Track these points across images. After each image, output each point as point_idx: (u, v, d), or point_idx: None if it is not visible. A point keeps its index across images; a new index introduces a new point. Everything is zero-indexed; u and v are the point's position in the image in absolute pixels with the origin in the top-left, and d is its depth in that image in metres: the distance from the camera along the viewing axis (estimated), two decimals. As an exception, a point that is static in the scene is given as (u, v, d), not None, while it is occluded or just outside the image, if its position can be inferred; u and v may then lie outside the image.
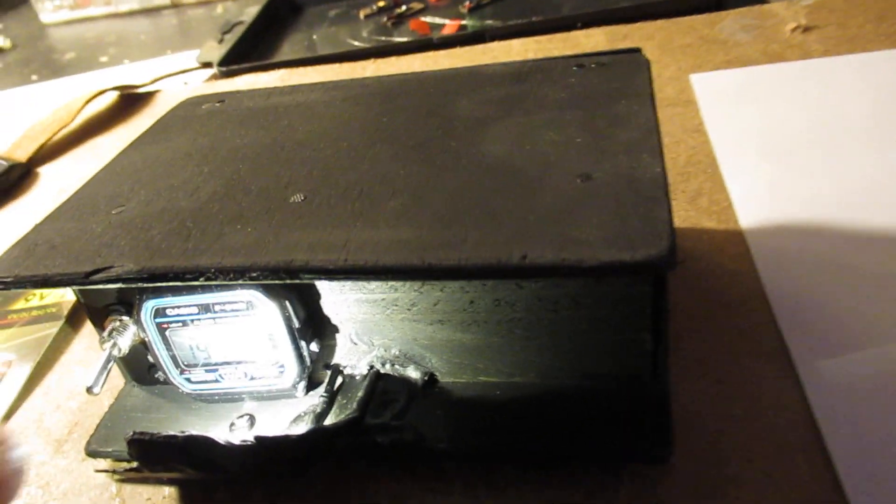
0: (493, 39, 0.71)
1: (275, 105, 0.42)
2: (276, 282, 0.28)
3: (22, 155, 0.67)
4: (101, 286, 0.30)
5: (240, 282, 0.28)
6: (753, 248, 0.42)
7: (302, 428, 0.34)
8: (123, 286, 0.29)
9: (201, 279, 0.28)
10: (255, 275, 0.28)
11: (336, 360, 0.36)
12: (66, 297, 0.49)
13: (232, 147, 0.38)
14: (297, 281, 0.28)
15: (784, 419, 0.32)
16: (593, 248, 0.26)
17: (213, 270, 0.28)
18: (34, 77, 0.96)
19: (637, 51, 0.40)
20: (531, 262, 0.26)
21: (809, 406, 0.33)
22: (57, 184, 0.65)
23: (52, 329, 0.47)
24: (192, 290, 0.32)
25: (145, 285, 0.29)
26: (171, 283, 0.29)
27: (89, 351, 0.45)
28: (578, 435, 0.31)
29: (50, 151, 0.70)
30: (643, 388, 0.33)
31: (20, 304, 0.49)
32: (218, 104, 0.44)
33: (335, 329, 0.35)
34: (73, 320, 0.47)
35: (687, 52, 0.63)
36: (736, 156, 0.50)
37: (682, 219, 0.46)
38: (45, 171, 0.68)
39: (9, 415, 0.41)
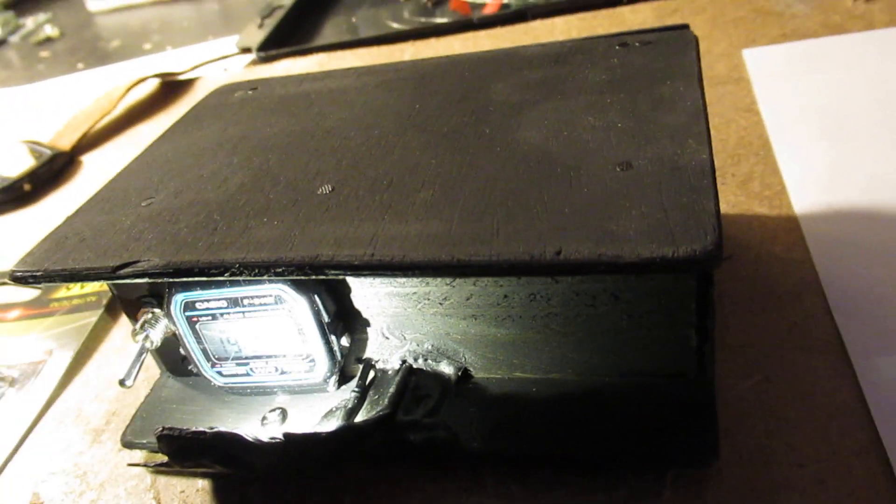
0: (535, 18, 0.68)
1: (307, 92, 0.41)
2: (302, 278, 0.27)
3: (66, 144, 0.68)
4: (127, 280, 0.29)
5: (265, 277, 0.28)
6: (808, 235, 0.40)
7: (332, 424, 0.33)
8: (150, 280, 0.29)
9: (226, 275, 0.28)
10: (279, 270, 0.27)
11: (368, 354, 0.35)
12: (105, 285, 0.50)
13: (262, 136, 0.37)
14: (323, 277, 0.27)
15: (839, 420, 0.30)
16: (632, 243, 0.24)
17: (237, 266, 0.28)
18: (80, 65, 0.97)
19: (685, 27, 0.37)
20: (566, 257, 0.24)
21: (867, 405, 0.31)
22: (100, 172, 0.66)
23: (92, 318, 0.47)
24: (220, 284, 0.32)
25: (171, 280, 0.29)
26: (196, 279, 0.28)
27: (127, 340, 0.45)
28: (619, 436, 0.30)
29: (93, 140, 0.71)
30: (687, 387, 0.31)
31: (61, 293, 0.50)
32: (251, 91, 0.44)
33: (366, 323, 0.34)
34: (111, 309, 0.48)
35: (739, 26, 0.60)
36: (791, 136, 0.47)
37: (732, 204, 0.43)
38: (88, 159, 0.68)
39: (49, 403, 0.42)
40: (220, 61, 0.80)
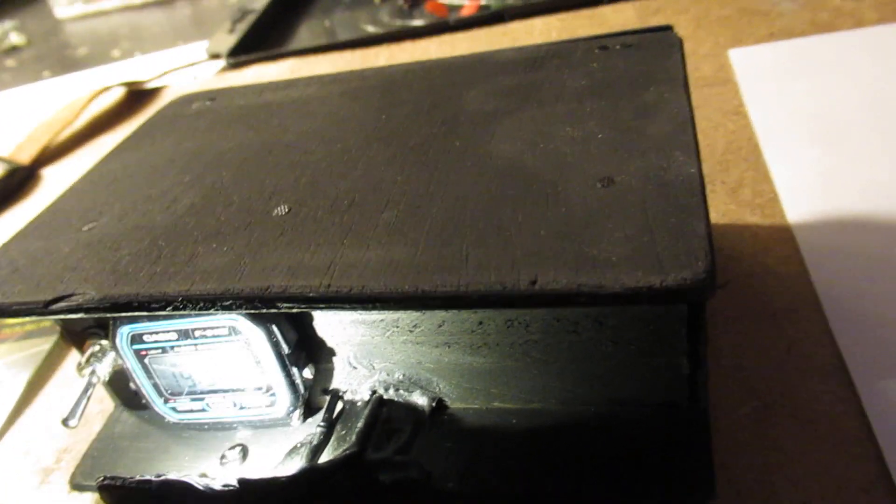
0: (513, 19, 0.66)
1: (268, 102, 0.39)
2: (252, 311, 0.25)
3: (25, 157, 0.65)
4: (61, 316, 0.26)
5: (211, 311, 0.25)
6: (803, 246, 0.37)
7: (294, 465, 0.30)
8: (86, 316, 0.26)
9: (168, 308, 0.25)
10: (227, 304, 0.25)
11: (334, 384, 0.33)
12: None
13: (217, 151, 0.35)
14: (275, 311, 0.24)
15: (844, 451, 0.28)
16: (616, 271, 0.22)
17: (180, 299, 0.25)
18: (46, 73, 0.94)
19: (668, 28, 0.35)
20: (542, 288, 0.22)
21: (873, 433, 0.28)
22: (61, 187, 0.62)
23: (45, 345, 0.44)
24: (168, 315, 0.29)
25: (107, 316, 0.26)
26: (136, 314, 0.26)
27: (83, 369, 0.42)
28: (605, 473, 0.27)
29: (54, 152, 0.68)
30: (679, 417, 0.29)
31: (14, 319, 0.47)
32: (209, 102, 0.41)
33: (331, 352, 0.32)
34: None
35: (725, 25, 0.58)
36: (781, 140, 0.45)
37: (722, 213, 0.41)
38: (48, 172, 0.65)
39: (-2, 439, 0.39)
40: (190, 68, 0.77)
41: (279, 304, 0.24)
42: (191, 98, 0.42)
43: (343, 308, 0.24)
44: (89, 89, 0.70)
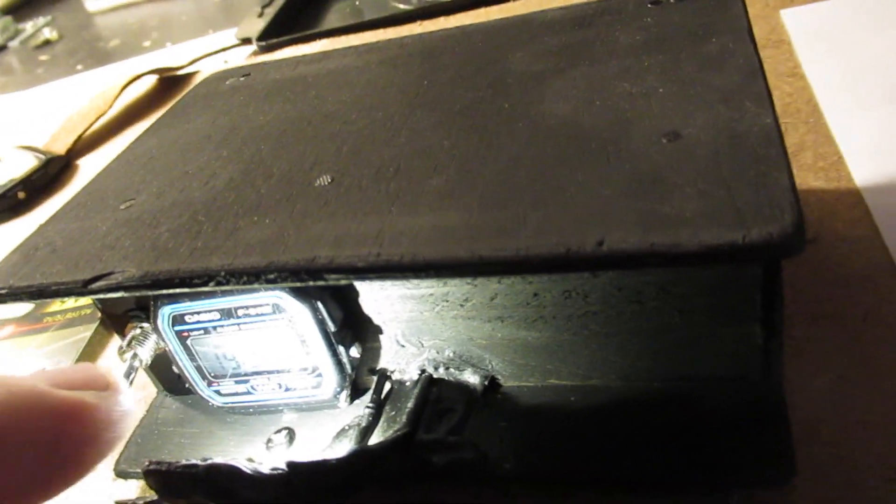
0: (549, -11, 0.64)
1: (303, 75, 0.37)
2: (299, 284, 0.23)
3: (61, 147, 0.65)
4: (101, 295, 0.25)
5: (255, 285, 0.24)
6: (874, 209, 0.35)
7: (343, 447, 0.29)
8: (126, 294, 0.25)
9: (211, 284, 0.24)
10: (271, 277, 0.23)
11: (382, 364, 0.31)
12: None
13: (254, 125, 0.33)
14: (322, 283, 0.23)
15: (933, 423, 0.26)
16: (692, 228, 0.20)
17: (222, 273, 0.24)
18: (79, 67, 0.94)
19: (725, -21, 0.33)
20: (610, 248, 0.20)
21: (963, 404, 0.26)
22: (97, 175, 0.62)
23: (87, 332, 0.44)
24: (210, 294, 0.28)
25: (148, 294, 0.25)
26: (177, 291, 0.24)
27: (125, 355, 0.42)
28: (674, 452, 0.26)
29: (89, 142, 0.67)
30: (752, 391, 0.27)
31: (55, 307, 0.47)
32: (242, 78, 0.40)
33: (378, 330, 0.30)
34: (107, 323, 0.44)
35: (776, -15, 0.55)
36: (843, 101, 0.42)
37: (782, 179, 0.39)
38: (84, 162, 0.65)
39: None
40: (220, 53, 0.76)
41: (326, 276, 0.23)
42: (224, 75, 0.41)
43: (394, 277, 0.22)
44: (121, 78, 0.70)
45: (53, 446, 0.20)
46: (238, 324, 0.29)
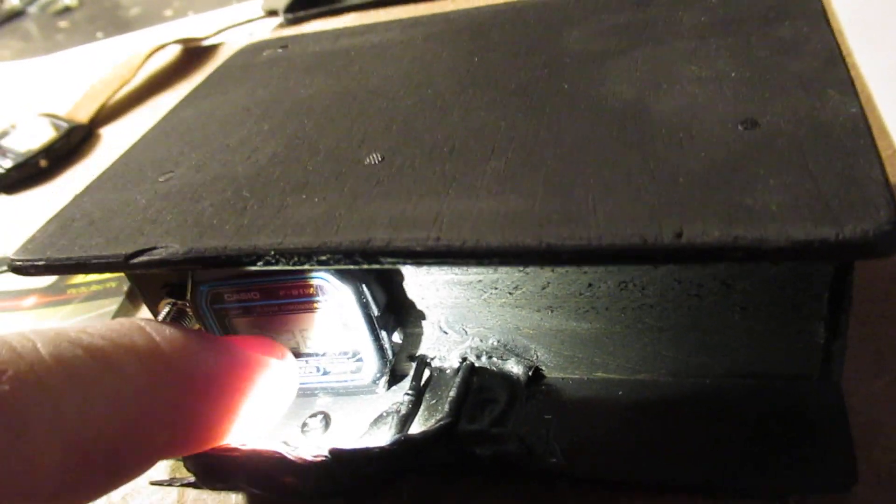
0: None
1: (345, 48, 0.36)
2: (351, 267, 0.22)
3: (83, 116, 0.63)
4: (143, 271, 0.25)
5: (306, 266, 0.23)
6: (932, 206, 0.34)
7: (384, 433, 0.28)
8: (169, 270, 0.24)
9: (259, 263, 0.23)
10: (324, 258, 0.22)
11: (422, 350, 0.30)
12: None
13: (296, 99, 0.32)
14: (377, 266, 0.22)
15: None
16: (778, 222, 0.19)
17: (272, 253, 0.23)
18: (99, 34, 0.93)
19: (793, -40, 0.31)
20: (690, 240, 0.19)
21: None
22: (119, 145, 0.61)
23: (112, 306, 0.43)
24: (253, 273, 0.27)
25: (190, 270, 0.24)
26: (223, 269, 0.24)
27: (151, 330, 0.41)
28: (728, 453, 0.25)
29: (112, 111, 0.66)
30: (810, 391, 0.26)
31: (79, 279, 0.46)
32: (280, 50, 0.38)
33: (421, 315, 0.29)
34: (133, 296, 0.43)
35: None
36: (899, 92, 0.41)
37: (834, 172, 0.37)
38: (106, 131, 0.64)
39: (67, 403, 0.38)
40: (245, 25, 0.75)
41: (382, 260, 0.22)
42: (261, 46, 0.40)
43: (454, 263, 0.21)
44: (145, 47, 0.68)
45: (245, 396, 0.24)
46: (279, 304, 0.28)
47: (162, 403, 0.21)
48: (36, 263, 0.26)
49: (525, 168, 0.23)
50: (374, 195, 0.24)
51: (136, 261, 0.24)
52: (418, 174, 0.24)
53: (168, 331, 0.23)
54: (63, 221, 0.28)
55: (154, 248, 0.24)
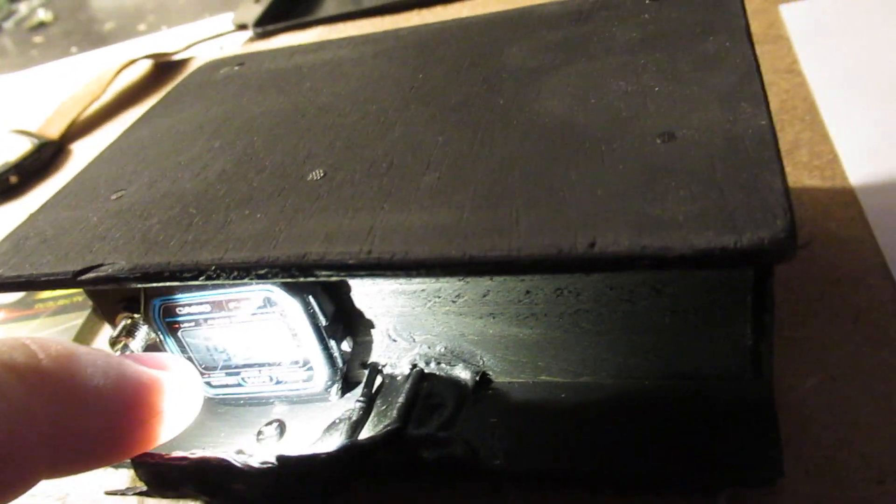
0: (548, -21, 0.63)
1: (298, 65, 0.37)
2: (289, 280, 0.23)
3: (54, 131, 0.64)
4: (91, 287, 0.25)
5: (245, 280, 0.24)
6: (868, 209, 0.35)
7: (335, 439, 0.29)
8: (116, 287, 0.25)
9: (200, 278, 0.24)
10: (262, 272, 0.23)
11: (373, 358, 0.31)
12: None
13: (248, 116, 0.33)
14: (313, 279, 0.23)
15: (922, 425, 0.26)
16: (683, 230, 0.20)
17: (213, 268, 0.24)
18: (74, 49, 0.93)
19: (724, -24, 0.32)
20: (602, 250, 0.20)
21: (951, 407, 0.26)
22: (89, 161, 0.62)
23: (78, 320, 0.43)
24: (201, 287, 0.28)
25: (138, 286, 0.25)
26: (167, 284, 0.24)
27: (116, 344, 0.42)
28: (663, 450, 0.26)
29: (82, 127, 0.67)
30: (741, 390, 0.27)
31: (47, 294, 0.46)
32: (237, 67, 0.39)
33: (370, 324, 0.30)
34: (99, 310, 0.44)
35: (774, -21, 0.55)
36: (840, 99, 0.42)
37: (777, 177, 0.39)
38: (77, 147, 0.65)
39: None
40: (216, 39, 0.76)
41: (317, 273, 0.23)
42: (219, 63, 0.40)
43: (385, 275, 0.22)
44: (116, 63, 0.69)
45: (134, 411, 0.24)
46: (229, 316, 0.29)
47: (42, 420, 0.21)
48: (-12, 281, 0.26)
49: (456, 182, 0.24)
50: (314, 210, 0.25)
51: (83, 278, 0.25)
52: (357, 189, 0.25)
53: (54, 347, 0.22)
54: (16, 240, 0.28)
55: (101, 266, 0.25)
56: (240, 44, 0.76)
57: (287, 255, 0.23)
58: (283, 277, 0.23)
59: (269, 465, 0.26)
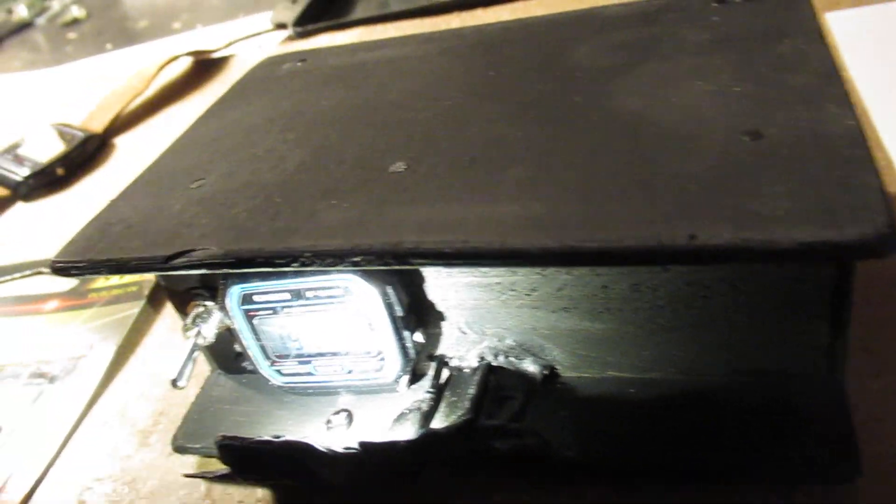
0: (589, -16, 0.64)
1: (362, 62, 0.38)
2: (382, 268, 0.24)
3: (97, 126, 0.65)
4: (182, 272, 0.26)
5: (339, 267, 0.24)
6: (926, 214, 0.35)
7: (408, 429, 0.29)
8: (207, 272, 0.26)
9: (294, 264, 0.24)
10: (357, 259, 0.24)
11: (441, 350, 0.32)
12: (146, 274, 0.47)
13: (318, 110, 0.34)
14: (406, 267, 0.23)
15: None
16: (783, 225, 0.20)
17: (307, 254, 0.24)
18: (108, 46, 0.94)
19: (792, -20, 0.33)
20: (703, 243, 0.20)
21: None
22: (133, 154, 0.63)
23: (134, 309, 0.44)
24: (282, 275, 0.28)
25: (231, 271, 0.25)
26: (259, 270, 0.25)
27: (172, 332, 0.42)
28: (737, 446, 0.26)
29: (125, 121, 0.68)
30: (815, 388, 0.27)
31: (100, 283, 0.47)
32: (300, 63, 0.40)
33: (441, 316, 0.31)
34: (154, 300, 0.45)
35: (819, -12, 0.55)
36: (892, 106, 0.43)
37: (831, 181, 0.39)
38: (120, 141, 0.65)
39: (91, 402, 0.39)
40: (254, 38, 0.76)
41: (412, 261, 0.23)
42: (280, 59, 0.41)
43: (480, 265, 0.23)
44: (157, 59, 0.70)
45: None
46: (306, 305, 0.29)
47: None
48: (77, 264, 0.27)
49: (544, 176, 0.25)
50: (401, 201, 0.25)
51: (175, 262, 0.26)
52: (442, 182, 0.26)
53: None
54: (101, 225, 0.29)
55: (192, 251, 0.26)
56: (276, 43, 0.76)
57: (382, 243, 0.23)
58: (377, 265, 0.24)
59: (352, 451, 0.26)
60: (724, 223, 0.21)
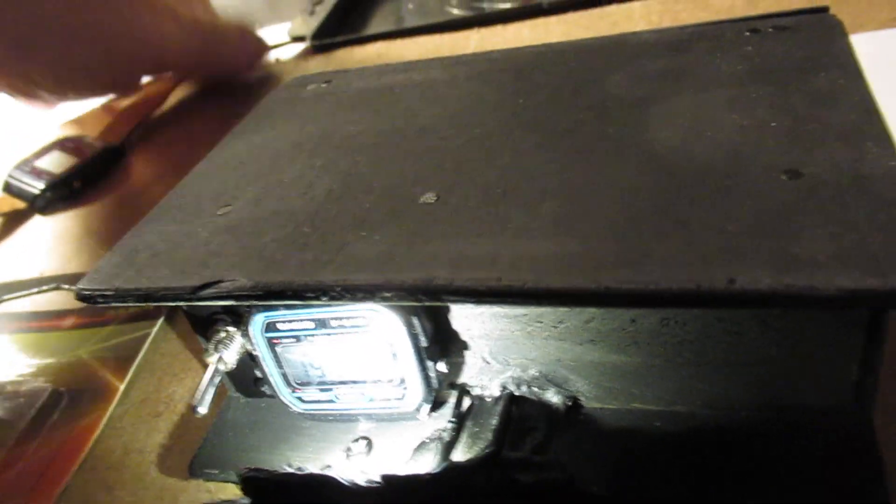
0: (611, 2, 0.64)
1: (389, 85, 0.38)
2: (413, 303, 0.23)
3: (114, 138, 0.65)
4: (210, 303, 0.26)
5: (368, 302, 0.24)
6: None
7: (427, 459, 0.29)
8: (234, 303, 0.25)
9: (324, 298, 0.24)
10: (387, 295, 0.23)
11: (464, 378, 0.31)
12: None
13: (345, 135, 0.34)
14: (438, 303, 0.23)
15: None
16: (825, 271, 0.20)
17: (338, 289, 0.24)
18: (126, 55, 0.95)
19: (824, 10, 0.33)
20: (742, 287, 0.20)
21: None
22: (151, 167, 0.63)
23: (151, 329, 0.44)
24: (320, 305, 0.28)
25: (259, 303, 0.25)
26: (287, 302, 0.25)
27: (190, 355, 0.42)
28: (763, 481, 0.26)
29: (142, 134, 0.68)
30: (841, 423, 0.27)
31: (118, 300, 0.47)
32: (324, 84, 0.40)
33: (465, 346, 0.30)
34: (172, 320, 0.45)
35: (842, 8, 0.55)
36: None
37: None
38: (138, 153, 0.65)
39: (109, 423, 0.39)
40: (272, 51, 0.77)
41: (445, 298, 0.23)
42: (304, 80, 0.41)
43: (514, 304, 0.22)
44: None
45: None
46: (330, 333, 0.29)
47: None
48: (104, 293, 0.27)
49: (578, 212, 0.24)
50: (432, 235, 0.25)
51: (203, 293, 0.25)
52: (473, 214, 0.26)
53: None
54: (126, 252, 0.29)
55: (221, 282, 0.25)
56: (293, 55, 0.76)
57: (413, 279, 0.23)
58: (408, 301, 0.23)
59: (375, 484, 0.26)
60: (763, 267, 0.20)
